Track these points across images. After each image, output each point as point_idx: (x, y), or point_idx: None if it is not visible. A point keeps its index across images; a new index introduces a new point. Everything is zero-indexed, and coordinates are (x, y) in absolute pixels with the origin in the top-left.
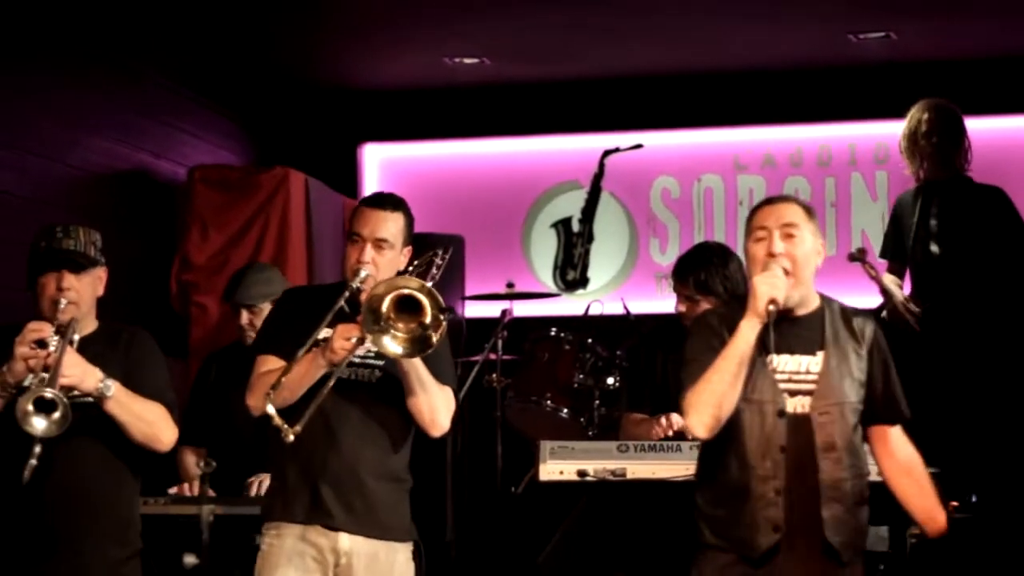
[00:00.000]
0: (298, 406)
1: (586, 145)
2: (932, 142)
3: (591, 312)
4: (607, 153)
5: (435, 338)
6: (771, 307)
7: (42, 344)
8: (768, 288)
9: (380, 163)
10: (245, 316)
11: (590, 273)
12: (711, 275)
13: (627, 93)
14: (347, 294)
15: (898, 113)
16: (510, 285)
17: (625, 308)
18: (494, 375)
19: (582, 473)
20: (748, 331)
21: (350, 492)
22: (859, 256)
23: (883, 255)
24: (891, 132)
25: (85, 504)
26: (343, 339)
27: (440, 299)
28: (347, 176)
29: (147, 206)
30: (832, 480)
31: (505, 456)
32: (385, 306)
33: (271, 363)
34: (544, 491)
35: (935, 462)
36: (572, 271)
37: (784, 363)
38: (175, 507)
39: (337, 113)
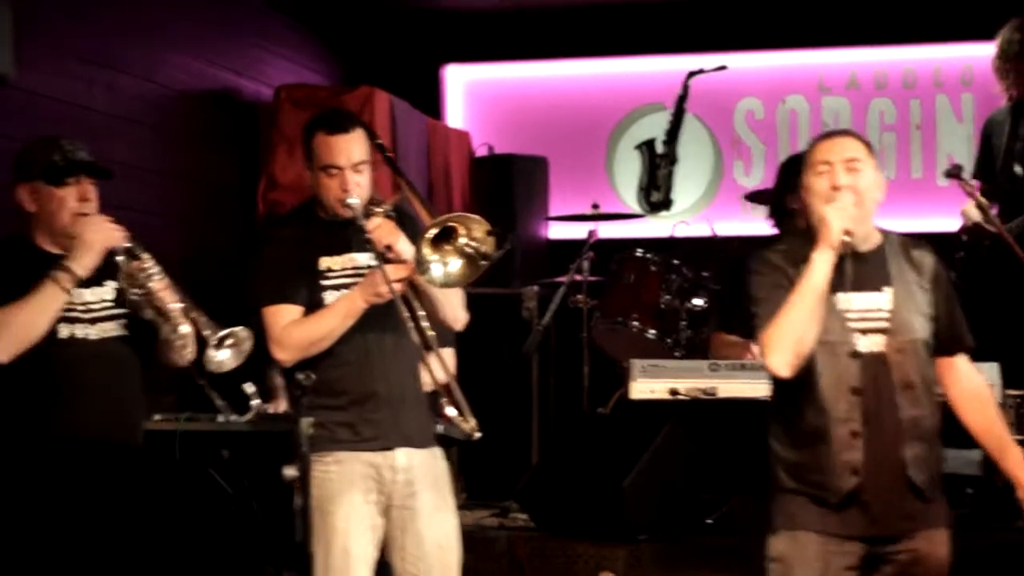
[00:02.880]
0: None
1: (670, 67)
2: (1023, 60)
3: (677, 233)
4: (691, 75)
5: (488, 258)
6: (845, 237)
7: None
8: (840, 218)
9: (464, 85)
10: None
11: (674, 195)
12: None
13: (711, 14)
14: (366, 235)
15: (984, 35)
16: (595, 206)
17: (712, 229)
18: (580, 296)
19: (673, 391)
20: (822, 263)
21: (397, 411)
22: (955, 172)
23: (975, 176)
24: (977, 54)
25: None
26: (386, 283)
27: (481, 220)
28: (430, 97)
29: (233, 125)
30: (912, 418)
31: (592, 377)
32: (426, 245)
33: (289, 313)
34: (630, 412)
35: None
36: (656, 193)
37: (853, 301)
38: (273, 423)
39: (420, 34)
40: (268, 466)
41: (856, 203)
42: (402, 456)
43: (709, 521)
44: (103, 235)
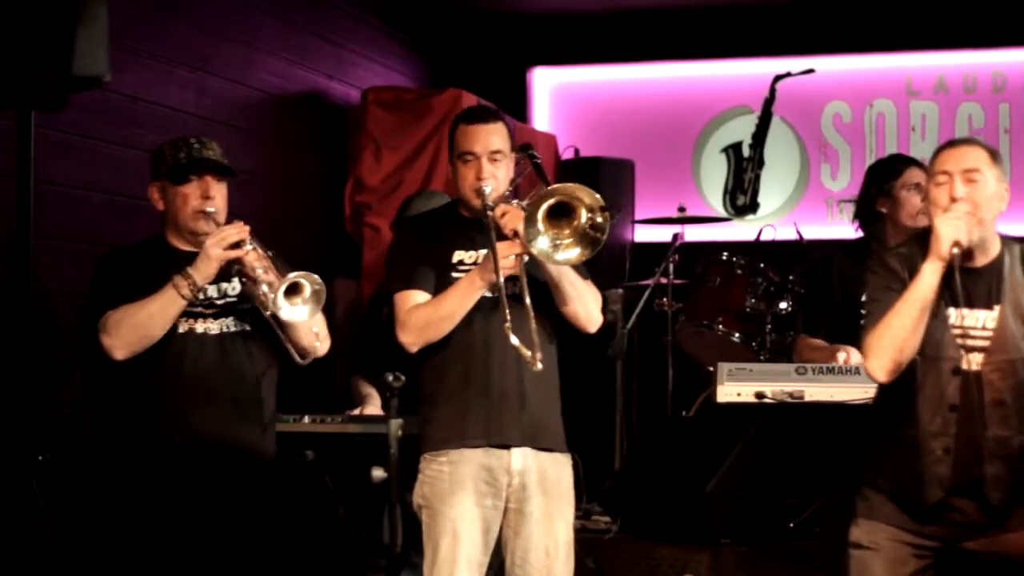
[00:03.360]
0: (451, 335)
1: (757, 70)
2: None
3: (763, 237)
4: (778, 78)
5: (603, 233)
6: (955, 249)
7: (237, 246)
8: (952, 230)
9: (550, 88)
10: None
11: (760, 198)
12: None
13: (799, 17)
14: (489, 215)
15: None
16: (681, 209)
17: (798, 232)
18: (665, 299)
19: (759, 395)
20: (930, 274)
21: (516, 407)
22: None
23: None
24: None
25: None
26: (504, 257)
27: (595, 194)
28: (516, 101)
29: (321, 127)
30: (997, 437)
31: (676, 380)
32: (540, 217)
33: (415, 297)
34: (715, 417)
35: None
36: (742, 196)
37: (961, 317)
38: (362, 425)
39: (507, 37)
40: (357, 468)
41: (971, 214)
42: (518, 457)
43: (791, 526)
44: (227, 247)
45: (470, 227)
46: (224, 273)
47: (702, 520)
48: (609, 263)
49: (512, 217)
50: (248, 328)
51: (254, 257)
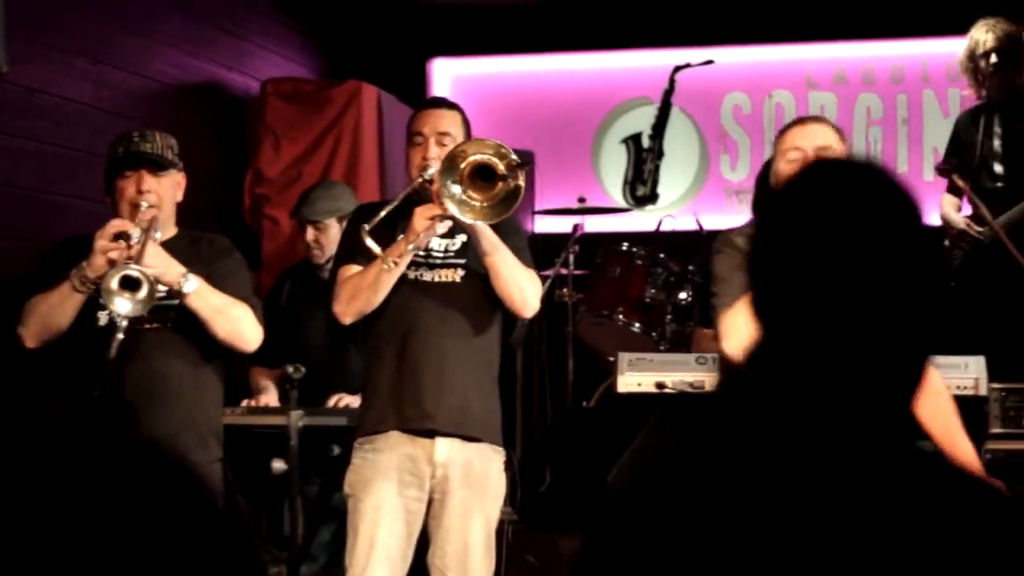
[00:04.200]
0: (382, 310)
1: (657, 61)
2: (991, 62)
3: (663, 227)
4: (678, 69)
5: (520, 188)
6: None
7: (124, 237)
8: None
9: (451, 79)
10: (311, 233)
11: (660, 189)
12: None
13: (698, 8)
14: (418, 182)
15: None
16: (581, 200)
17: (698, 223)
18: (565, 290)
19: (660, 385)
20: None
21: (443, 392)
22: (946, 169)
23: (939, 172)
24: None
25: (164, 399)
26: (424, 218)
27: (511, 152)
28: (417, 91)
29: (220, 119)
30: None
31: (576, 371)
32: (460, 174)
33: (351, 271)
34: (615, 407)
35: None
36: (642, 187)
37: None
38: (261, 416)
39: (407, 28)
40: (258, 460)
41: None
42: (443, 448)
43: None
44: (108, 239)
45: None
46: None
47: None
48: None
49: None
50: (168, 325)
51: (118, 253)
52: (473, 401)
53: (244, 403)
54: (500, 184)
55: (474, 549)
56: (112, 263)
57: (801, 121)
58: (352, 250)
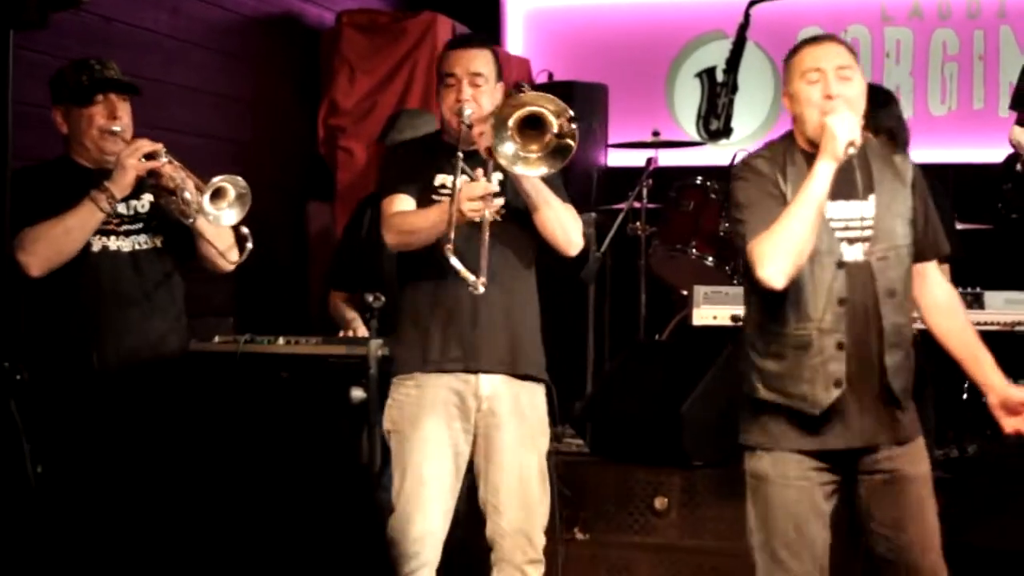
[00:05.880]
0: (425, 257)
1: None
2: None
3: (737, 161)
4: (753, 2)
5: (573, 143)
6: (850, 149)
7: (155, 156)
8: (846, 129)
9: (525, 12)
10: None
11: (734, 123)
12: (877, 113)
13: None
14: (463, 130)
15: None
16: (655, 133)
17: None
18: (638, 223)
19: (735, 318)
20: (824, 174)
21: (489, 331)
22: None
23: (1012, 106)
24: None
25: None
26: (470, 200)
27: (562, 103)
28: (491, 25)
29: (295, 50)
30: (894, 326)
31: (648, 304)
32: (512, 125)
33: (401, 202)
34: (687, 341)
35: None
36: (716, 121)
37: (838, 210)
38: (340, 346)
39: None
40: (335, 389)
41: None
42: (486, 383)
43: None
44: (142, 158)
45: (452, 152)
46: (134, 190)
47: (675, 443)
48: (583, 187)
49: (488, 136)
50: (159, 244)
51: (170, 169)
52: (516, 337)
53: (340, 334)
54: (550, 135)
55: (530, 482)
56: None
57: (816, 40)
58: (398, 180)
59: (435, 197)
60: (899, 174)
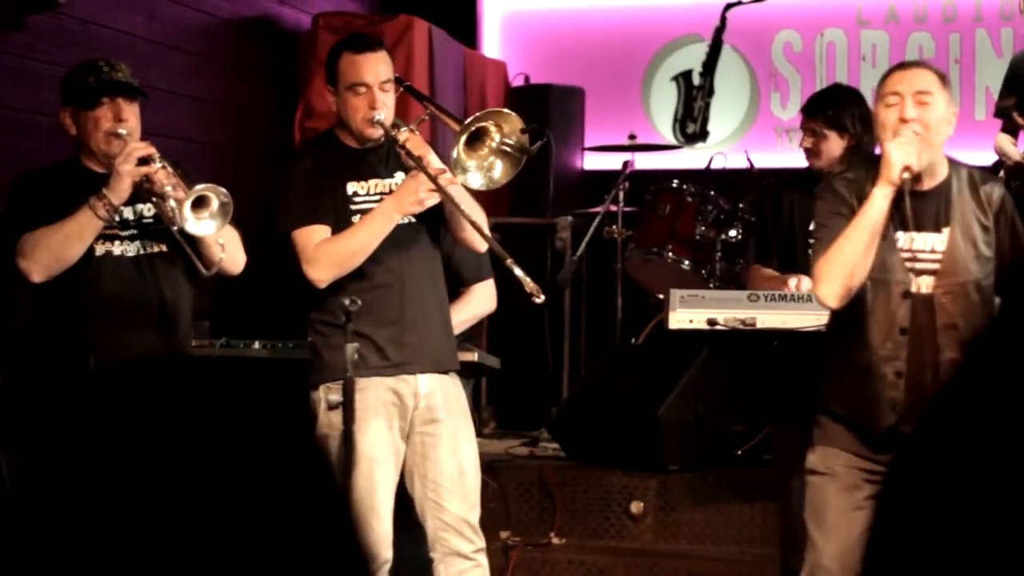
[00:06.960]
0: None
1: None
2: None
3: (713, 165)
4: (729, 6)
5: (522, 151)
6: (905, 175)
7: (149, 161)
8: (902, 155)
9: (501, 15)
10: None
11: (710, 127)
12: (842, 112)
13: None
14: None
15: None
16: (632, 137)
17: (749, 160)
18: (614, 227)
19: (712, 322)
20: (880, 199)
21: (424, 333)
22: (1006, 111)
23: (996, 114)
24: None
25: (170, 321)
26: (419, 192)
27: (508, 113)
28: (467, 27)
29: (271, 53)
30: (950, 360)
31: (625, 308)
32: (461, 151)
33: (318, 232)
34: (663, 344)
35: None
36: (692, 124)
37: (910, 240)
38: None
39: None
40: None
41: (922, 137)
42: (424, 382)
43: (740, 453)
44: (136, 163)
45: (356, 156)
46: (139, 196)
47: (651, 447)
48: (559, 191)
49: (415, 143)
50: (165, 249)
51: (163, 175)
52: (447, 334)
53: None
54: (491, 137)
55: (468, 472)
56: (136, 185)
57: (902, 66)
58: (310, 208)
59: (352, 207)
60: (982, 204)
